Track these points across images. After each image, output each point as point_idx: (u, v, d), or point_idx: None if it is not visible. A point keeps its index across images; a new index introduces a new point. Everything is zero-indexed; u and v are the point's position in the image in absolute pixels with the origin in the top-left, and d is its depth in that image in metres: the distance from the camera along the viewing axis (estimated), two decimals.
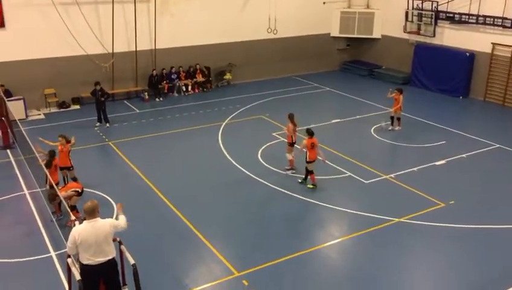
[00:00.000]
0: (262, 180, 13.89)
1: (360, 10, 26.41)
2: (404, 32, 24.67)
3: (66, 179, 12.79)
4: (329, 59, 27.32)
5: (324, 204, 12.74)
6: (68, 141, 12.65)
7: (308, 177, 13.50)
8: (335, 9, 26.46)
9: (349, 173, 14.41)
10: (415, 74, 24.38)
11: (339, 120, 18.37)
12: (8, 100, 16.22)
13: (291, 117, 14.28)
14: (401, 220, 11.91)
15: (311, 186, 13.50)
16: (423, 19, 23.64)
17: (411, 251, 10.84)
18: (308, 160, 13.31)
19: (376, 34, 26.38)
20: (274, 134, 17.30)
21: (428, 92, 23.40)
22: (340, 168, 14.63)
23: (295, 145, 14.40)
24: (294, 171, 14.32)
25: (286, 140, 14.63)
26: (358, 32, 26.58)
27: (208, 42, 23.21)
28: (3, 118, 15.97)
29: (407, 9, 24.15)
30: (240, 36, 24.00)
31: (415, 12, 23.90)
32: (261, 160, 15.29)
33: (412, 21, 24.23)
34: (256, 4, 23.89)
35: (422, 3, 23.46)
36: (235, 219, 12.06)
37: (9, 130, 16.15)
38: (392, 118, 17.87)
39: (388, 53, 25.99)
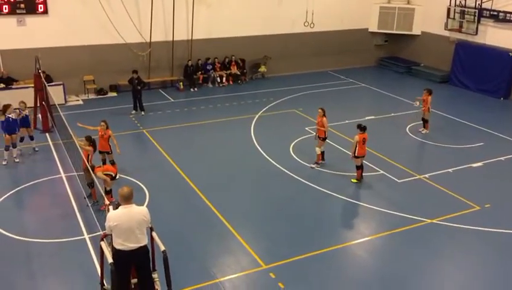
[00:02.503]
0: (293, 175, 13.86)
1: (400, 6, 25.87)
2: (445, 29, 24.01)
3: (104, 162, 13.06)
4: (366, 55, 26.91)
5: (355, 201, 12.63)
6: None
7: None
8: (374, 4, 26.01)
9: (382, 171, 14.21)
10: (454, 72, 23.75)
11: (373, 117, 18.10)
12: (48, 85, 16.67)
13: (324, 111, 14.18)
14: (434, 221, 11.68)
15: (355, 180, 13.49)
16: (466, 16, 22.96)
17: (442, 253, 10.62)
18: (356, 155, 13.25)
19: (416, 30, 25.80)
20: (307, 128, 17.20)
21: (467, 91, 22.76)
22: (372, 166, 14.44)
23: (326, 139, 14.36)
24: (319, 166, 14.25)
25: (317, 134, 14.44)
26: (397, 28, 26.06)
27: (244, 34, 23.23)
28: (43, 103, 16.46)
29: (449, 6, 23.50)
30: (276, 29, 23.90)
31: (458, 9, 23.23)
32: (293, 154, 15.25)
33: (453, 18, 23.57)
34: None
35: (465, 0, 22.79)
36: (264, 211, 12.09)
37: (48, 115, 16.61)
38: (423, 119, 17.33)
39: (427, 50, 25.38)
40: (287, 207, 12.31)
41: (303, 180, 13.55)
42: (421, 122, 17.39)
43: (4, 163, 13.90)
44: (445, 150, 15.94)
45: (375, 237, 11.14)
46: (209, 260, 10.10)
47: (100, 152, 12.99)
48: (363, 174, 13.62)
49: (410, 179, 13.84)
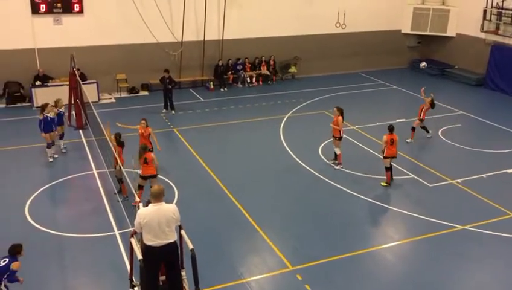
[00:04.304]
0: (322, 176, 13.77)
1: (434, 7, 25.36)
2: (481, 31, 23.42)
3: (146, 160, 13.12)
4: (398, 56, 26.50)
5: (384, 205, 12.45)
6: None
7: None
8: (408, 5, 25.59)
9: (413, 175, 13.97)
10: (490, 75, 23.13)
11: (404, 120, 17.81)
12: (82, 83, 17.04)
13: (340, 110, 14.07)
14: (466, 227, 11.40)
15: (385, 183, 13.34)
16: (503, 18, 22.34)
17: (475, 261, 10.36)
18: (385, 155, 13.16)
19: (450, 32, 25.25)
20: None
21: (503, 95, 22.14)
22: (403, 170, 14.21)
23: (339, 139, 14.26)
24: (342, 166, 14.12)
25: (332, 133, 14.35)
26: (431, 29, 25.56)
27: (275, 35, 23.21)
28: (78, 100, 16.83)
29: (486, 7, 22.90)
30: (307, 30, 23.78)
31: (494, 11, 22.62)
32: (322, 156, 15.15)
33: (490, 20, 22.96)
34: None
35: (502, 1, 22.16)
36: (292, 212, 12.05)
37: (82, 112, 16.98)
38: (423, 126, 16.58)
39: (462, 53, 24.79)
40: (315, 209, 12.24)
41: (331, 182, 13.44)
42: (451, 126, 16.94)
43: (51, 160, 14.25)
44: (479, 155, 15.55)
45: (404, 242, 10.96)
46: (237, 260, 10.13)
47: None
48: (393, 177, 13.42)
49: (442, 183, 13.56)
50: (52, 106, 14.42)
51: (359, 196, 12.78)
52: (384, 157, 13.22)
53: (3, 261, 8.00)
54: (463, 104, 20.38)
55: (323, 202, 12.61)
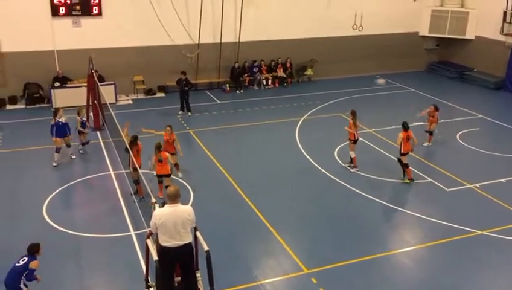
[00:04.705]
0: (337, 179, 13.70)
1: (453, 9, 25.08)
2: (501, 33, 23.08)
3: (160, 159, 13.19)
4: (416, 59, 26.25)
5: (401, 209, 12.33)
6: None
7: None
8: (426, 8, 25.34)
9: (430, 179, 13.81)
10: (509, 78, 22.77)
11: (422, 123, 17.60)
12: (100, 85, 17.22)
13: (354, 114, 14.13)
14: (484, 233, 11.23)
15: (408, 181, 13.45)
16: None
17: (493, 267, 10.19)
18: (402, 152, 13.37)
19: (469, 34, 24.92)
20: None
21: None
22: (420, 173, 14.06)
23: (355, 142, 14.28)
24: (358, 169, 14.03)
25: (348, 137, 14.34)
26: (449, 32, 25.27)
27: (291, 37, 23.18)
28: (95, 102, 17.02)
29: (506, 9, 22.56)
30: (324, 32, 23.69)
31: None
32: (337, 158, 15.07)
33: (510, 22, 22.61)
34: (343, 0, 23.49)
35: None
36: (307, 215, 12.01)
37: (100, 114, 17.16)
38: (428, 131, 16.33)
39: (481, 55, 24.45)
40: (330, 211, 12.18)
41: (347, 185, 13.37)
42: (465, 131, 16.70)
43: (54, 164, 14.19)
44: (497, 159, 15.31)
45: (421, 247, 10.83)
46: (251, 262, 10.12)
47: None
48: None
49: (459, 188, 13.38)
50: (62, 110, 14.67)
51: (375, 199, 12.68)
52: (402, 154, 13.40)
53: (22, 260, 8.11)
54: (482, 107, 20.10)
55: (338, 204, 12.55)
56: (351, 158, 14.28)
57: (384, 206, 12.39)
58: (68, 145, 14.61)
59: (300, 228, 11.50)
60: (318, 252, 10.44)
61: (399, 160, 13.71)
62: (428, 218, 11.84)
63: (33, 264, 8.07)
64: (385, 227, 11.70)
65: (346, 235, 11.13)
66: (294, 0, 22.77)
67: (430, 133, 16.32)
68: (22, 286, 8.06)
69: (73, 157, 14.81)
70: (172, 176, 12.58)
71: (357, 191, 13.09)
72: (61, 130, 14.21)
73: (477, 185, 13.47)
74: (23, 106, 19.71)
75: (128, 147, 11.92)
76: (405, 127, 13.55)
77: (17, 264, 8.08)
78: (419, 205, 12.52)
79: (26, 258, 8.12)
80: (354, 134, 14.03)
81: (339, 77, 24.61)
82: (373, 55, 25.06)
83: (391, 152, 15.20)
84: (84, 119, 15.16)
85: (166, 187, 11.78)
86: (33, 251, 8.22)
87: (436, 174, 14.12)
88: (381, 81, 15.26)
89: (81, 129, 15.02)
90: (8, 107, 19.70)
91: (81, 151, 15.20)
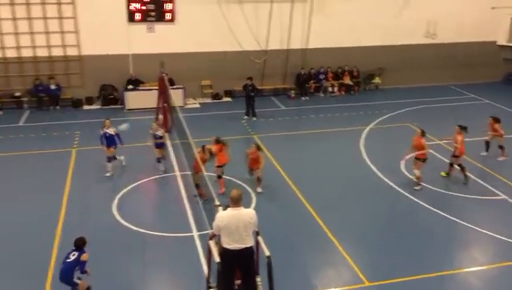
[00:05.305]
0: (403, 192, 13.28)
1: None
2: None
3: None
4: (493, 69, 24.99)
5: (471, 225, 11.73)
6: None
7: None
8: (505, 15, 24.06)
9: (504, 196, 13.05)
10: None
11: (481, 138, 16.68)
12: (170, 88, 17.81)
13: (423, 132, 13.45)
14: None
15: (445, 174, 14.09)
16: None
17: None
18: (458, 154, 13.60)
19: None
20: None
21: None
22: (493, 189, 13.34)
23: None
24: (422, 188, 13.40)
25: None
26: None
27: (360, 44, 22.86)
28: (165, 104, 17.62)
29: None
30: (394, 40, 23.15)
31: None
32: (404, 170, 14.61)
33: None
34: (415, 7, 22.85)
35: None
36: (370, 226, 11.73)
37: (169, 116, 17.74)
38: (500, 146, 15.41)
39: None
40: (394, 224, 11.83)
41: (413, 198, 12.93)
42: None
43: (108, 175, 14.06)
44: None
45: (491, 267, 10.24)
46: (311, 270, 10.03)
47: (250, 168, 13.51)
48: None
49: None
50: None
51: (443, 213, 12.16)
52: (457, 157, 13.65)
53: (73, 255, 8.39)
54: None
55: (403, 217, 12.15)
56: (417, 176, 13.41)
57: (453, 222, 11.85)
58: (114, 158, 14.30)
59: (362, 239, 11.25)
60: (380, 265, 10.16)
61: (457, 164, 13.60)
62: (500, 237, 11.18)
63: (84, 257, 8.37)
64: (453, 243, 11.17)
65: (410, 250, 10.75)
66: (364, 8, 22.44)
67: (501, 147, 15.43)
68: (75, 280, 8.34)
69: (124, 164, 14.60)
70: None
71: (423, 204, 12.62)
72: (109, 141, 14.03)
73: None
74: (98, 107, 20.82)
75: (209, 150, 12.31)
76: (463, 128, 13.64)
77: (68, 260, 8.35)
78: (491, 223, 11.84)
79: (76, 253, 8.39)
80: (425, 153, 13.28)
81: (409, 85, 23.94)
82: (446, 64, 24.15)
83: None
84: (159, 134, 14.21)
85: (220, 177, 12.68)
86: (81, 244, 8.50)
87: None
88: (123, 127, 14.49)
89: (155, 141, 14.21)
90: (85, 107, 20.88)
91: (161, 170, 14.31)
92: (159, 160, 14.27)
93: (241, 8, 21.02)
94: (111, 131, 14.12)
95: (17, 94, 20.32)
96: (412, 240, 11.16)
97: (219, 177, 13.02)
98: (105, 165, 14.13)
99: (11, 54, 19.88)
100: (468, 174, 13.79)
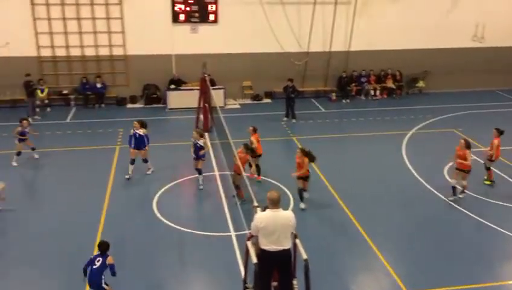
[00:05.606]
0: (446, 199, 12.90)
1: None
2: None
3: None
4: None
5: None
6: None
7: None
8: None
9: None
10: None
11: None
12: (212, 88, 17.99)
13: (467, 142, 12.59)
14: None
15: (489, 181, 13.74)
16: None
17: None
18: (495, 159, 13.57)
19: None
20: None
21: None
22: None
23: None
24: (465, 194, 12.90)
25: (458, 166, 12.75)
26: None
27: (404, 47, 22.36)
28: (206, 104, 17.82)
29: None
30: (439, 43, 22.54)
31: None
32: (447, 177, 14.19)
33: None
34: (463, 9, 22.19)
35: None
36: (411, 234, 11.47)
37: (209, 116, 17.93)
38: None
39: None
40: (436, 232, 11.50)
41: (458, 207, 12.54)
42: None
43: (127, 177, 13.92)
44: None
45: None
46: (348, 275, 9.90)
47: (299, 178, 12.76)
48: None
49: None
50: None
51: (488, 223, 11.74)
52: (493, 160, 13.53)
53: (98, 261, 8.29)
54: None
55: (446, 226, 11.80)
56: (463, 186, 12.80)
57: (499, 233, 11.41)
58: (145, 161, 14.15)
59: (402, 246, 11.01)
60: (420, 274, 9.91)
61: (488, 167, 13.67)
62: None
63: (109, 260, 8.31)
64: (498, 255, 10.75)
65: (453, 259, 10.43)
66: (410, 9, 21.94)
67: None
68: (103, 285, 8.30)
69: (149, 172, 14.29)
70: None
71: (468, 213, 12.23)
72: (138, 142, 13.85)
73: None
74: (141, 105, 21.29)
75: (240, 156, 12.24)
76: (501, 133, 13.50)
77: (95, 267, 8.25)
78: None
79: (101, 258, 8.31)
80: (469, 165, 12.59)
81: (455, 90, 23.30)
82: (494, 68, 23.30)
83: (511, 174, 14.02)
84: (200, 143, 13.23)
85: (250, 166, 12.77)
86: (104, 248, 8.40)
87: None
88: None
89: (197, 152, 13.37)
90: (129, 105, 21.39)
91: (200, 187, 13.50)
92: (199, 171, 13.43)
93: (283, 9, 21.00)
94: (141, 132, 13.85)
95: (65, 92, 21.05)
96: (454, 248, 10.83)
97: (257, 166, 13.01)
98: (128, 166, 13.92)
99: (60, 52, 20.59)
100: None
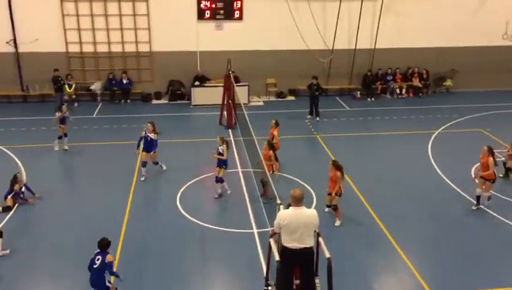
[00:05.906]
0: (473, 201, 12.62)
1: None
2: None
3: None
4: None
5: None
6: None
7: None
8: None
9: None
10: None
11: None
12: (236, 85, 18.03)
13: (491, 150, 12.15)
14: None
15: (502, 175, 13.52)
16: None
17: None
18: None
19: None
20: (495, 151, 15.50)
21: None
22: None
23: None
24: (492, 200, 12.47)
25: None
26: None
27: (431, 45, 22.04)
28: (230, 101, 17.87)
29: None
30: (468, 41, 22.10)
31: None
32: (476, 179, 13.89)
33: None
34: (493, 7, 21.70)
35: None
36: (436, 235, 11.28)
37: (233, 113, 17.97)
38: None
39: None
40: (462, 234, 11.29)
41: (486, 209, 12.26)
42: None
43: (142, 179, 13.82)
44: None
45: None
46: (372, 276, 9.81)
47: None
48: None
49: None
50: (153, 129, 13.65)
51: None
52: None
53: (97, 260, 8.13)
54: None
55: (472, 228, 11.57)
56: (488, 197, 12.32)
57: None
58: (155, 163, 14.09)
59: (426, 247, 10.84)
60: (446, 276, 9.74)
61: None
62: None
63: (108, 258, 8.16)
64: None
65: (478, 262, 10.22)
66: (438, 7, 21.58)
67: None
68: (107, 284, 8.24)
69: (164, 168, 14.26)
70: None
71: (495, 215, 11.98)
72: (148, 145, 13.65)
73: None
74: (166, 101, 21.48)
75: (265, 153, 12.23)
76: None
77: (95, 266, 8.11)
78: None
79: (100, 256, 8.14)
80: (494, 172, 12.14)
81: (483, 89, 22.82)
82: None
83: None
84: (220, 149, 12.84)
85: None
86: (104, 245, 8.24)
87: None
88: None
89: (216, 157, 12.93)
90: (154, 101, 21.61)
91: (217, 193, 13.06)
92: (217, 180, 12.90)
93: (308, 6, 20.87)
94: (152, 136, 13.64)
95: (92, 87, 21.38)
96: (479, 250, 10.62)
97: (276, 160, 12.61)
98: (140, 169, 13.87)
99: (87, 48, 20.91)
100: None
